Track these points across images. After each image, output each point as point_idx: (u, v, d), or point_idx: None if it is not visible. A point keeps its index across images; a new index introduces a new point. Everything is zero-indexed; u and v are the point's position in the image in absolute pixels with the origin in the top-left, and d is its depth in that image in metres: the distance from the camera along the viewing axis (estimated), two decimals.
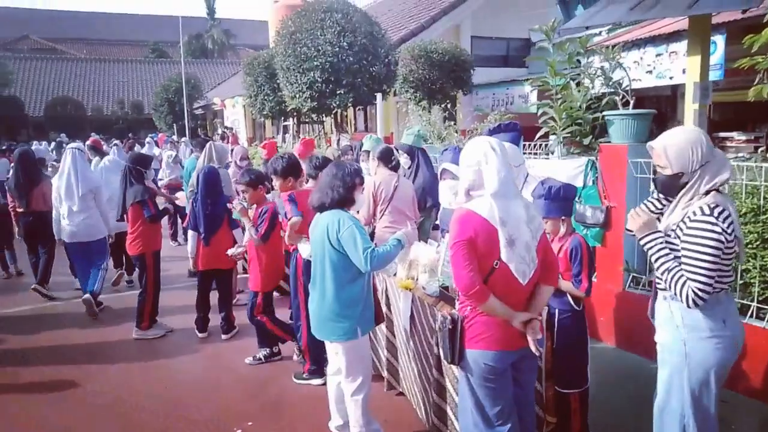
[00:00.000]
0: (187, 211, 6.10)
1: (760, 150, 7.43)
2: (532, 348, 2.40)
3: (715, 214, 2.28)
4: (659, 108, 9.63)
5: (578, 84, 5.27)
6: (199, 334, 5.33)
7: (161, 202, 6.07)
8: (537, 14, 14.92)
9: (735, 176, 3.80)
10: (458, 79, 11.20)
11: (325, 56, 9.16)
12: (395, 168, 4.98)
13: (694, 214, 2.33)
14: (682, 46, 8.62)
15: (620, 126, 4.66)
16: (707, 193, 2.37)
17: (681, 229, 2.37)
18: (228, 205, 4.62)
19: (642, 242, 2.48)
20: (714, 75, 7.87)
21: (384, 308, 3.86)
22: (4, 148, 17.59)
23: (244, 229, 4.82)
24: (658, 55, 9.52)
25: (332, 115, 11.30)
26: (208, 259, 5.09)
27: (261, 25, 48.16)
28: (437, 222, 4.65)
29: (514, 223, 2.36)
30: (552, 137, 5.39)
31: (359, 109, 14.98)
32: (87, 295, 5.93)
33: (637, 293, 4.55)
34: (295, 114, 13.58)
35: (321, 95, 9.57)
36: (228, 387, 4.35)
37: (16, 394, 4.43)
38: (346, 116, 12.49)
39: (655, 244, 2.43)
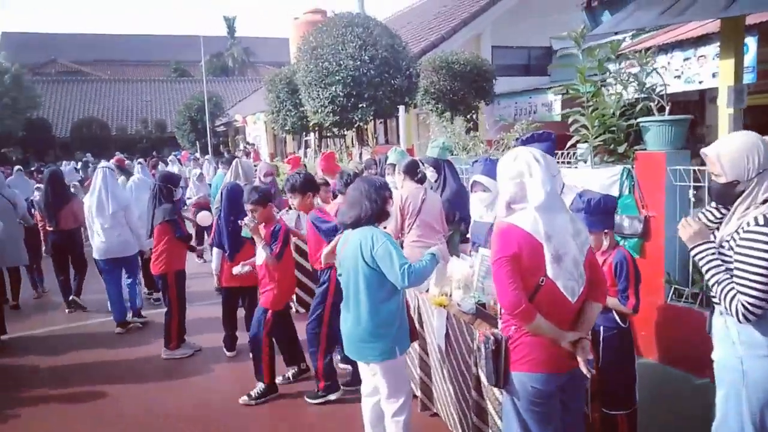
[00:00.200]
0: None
1: None
2: (583, 369, 2.26)
3: None
4: (687, 113, 9.40)
5: (606, 90, 5.13)
6: (228, 353, 5.28)
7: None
8: (558, 22, 14.82)
9: None
10: (480, 90, 11.10)
11: (346, 70, 9.15)
12: (421, 181, 4.89)
13: (748, 224, 2.19)
14: (710, 49, 8.40)
15: (657, 133, 4.50)
16: (765, 201, 2.23)
17: (734, 240, 2.23)
18: (239, 222, 4.50)
19: (692, 253, 2.34)
20: (747, 78, 7.62)
21: (416, 325, 3.75)
22: (33, 168, 18.01)
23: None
24: (686, 59, 9.29)
25: (354, 129, 11.27)
26: (232, 276, 5.03)
27: (280, 42, 48.86)
28: (468, 235, 4.52)
29: (560, 238, 2.24)
30: (580, 145, 5.24)
31: (380, 122, 14.96)
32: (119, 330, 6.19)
33: (680, 306, 4.35)
34: (316, 128, 13.61)
35: (343, 109, 9.54)
36: (258, 407, 4.28)
37: (48, 413, 4.42)
38: (366, 129, 12.46)
39: (706, 255, 2.29)
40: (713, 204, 2.50)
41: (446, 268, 3.51)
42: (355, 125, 10.51)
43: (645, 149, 4.62)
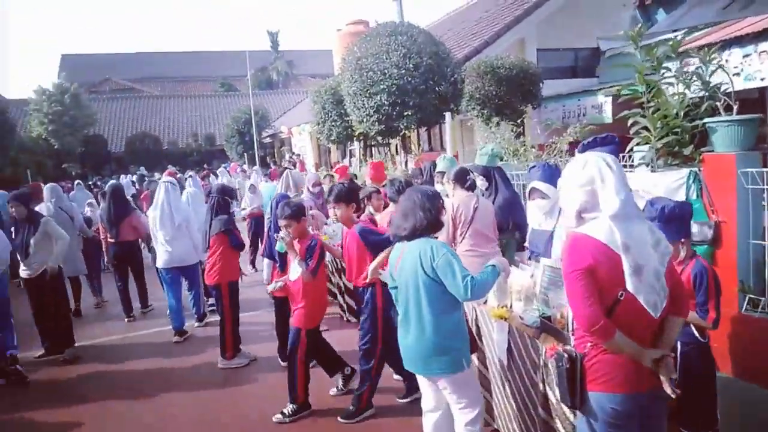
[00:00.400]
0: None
1: None
2: (667, 389, 2.11)
3: None
4: (745, 112, 8.95)
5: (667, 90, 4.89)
6: (282, 363, 5.28)
7: None
8: (605, 22, 14.45)
9: None
10: (527, 93, 10.88)
11: (391, 79, 9.13)
12: (471, 188, 4.77)
13: None
14: None
15: (725, 133, 4.26)
16: None
17: None
18: (275, 236, 4.42)
19: None
20: None
21: (475, 337, 3.64)
22: (90, 183, 18.81)
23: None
24: (746, 55, 8.82)
25: (398, 137, 11.24)
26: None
27: (322, 54, 49.61)
28: (526, 244, 4.38)
29: (639, 248, 2.10)
30: (638, 148, 5.01)
31: (423, 130, 14.89)
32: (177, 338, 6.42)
33: (756, 316, 4.07)
34: (361, 138, 13.65)
35: (388, 118, 9.52)
36: (315, 416, 4.28)
37: (107, 421, 4.55)
38: (409, 137, 12.42)
39: None
40: None
41: (506, 280, 3.39)
42: (400, 133, 10.46)
43: (712, 151, 4.38)
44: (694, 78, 4.75)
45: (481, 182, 5.12)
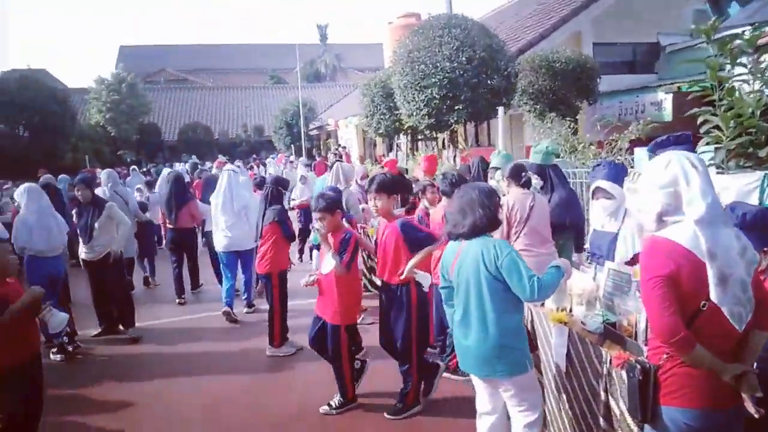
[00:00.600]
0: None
1: None
2: (750, 409, 1.96)
3: None
4: None
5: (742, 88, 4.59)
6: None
7: None
8: (666, 16, 13.81)
9: None
10: (583, 89, 10.55)
11: (443, 72, 8.99)
12: (527, 185, 4.62)
13: None
14: None
15: None
16: None
17: None
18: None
19: None
20: None
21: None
22: (144, 170, 19.47)
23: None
24: None
25: (446, 131, 11.08)
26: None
27: (369, 48, 49.91)
28: (587, 246, 4.21)
29: (726, 256, 1.95)
30: (704, 148, 4.73)
31: (471, 124, 14.66)
32: (227, 309, 6.65)
33: None
34: (409, 131, 13.56)
35: (438, 112, 9.39)
36: (361, 410, 4.28)
37: (160, 402, 4.67)
38: (456, 131, 12.24)
39: None
40: None
41: (565, 282, 3.25)
42: (450, 128, 10.31)
43: None
44: None
45: (536, 181, 4.94)
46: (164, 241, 8.68)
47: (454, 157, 10.74)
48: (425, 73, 9.17)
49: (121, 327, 6.29)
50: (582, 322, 3.02)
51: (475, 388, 3.11)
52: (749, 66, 4.67)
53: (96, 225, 5.91)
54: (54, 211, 5.85)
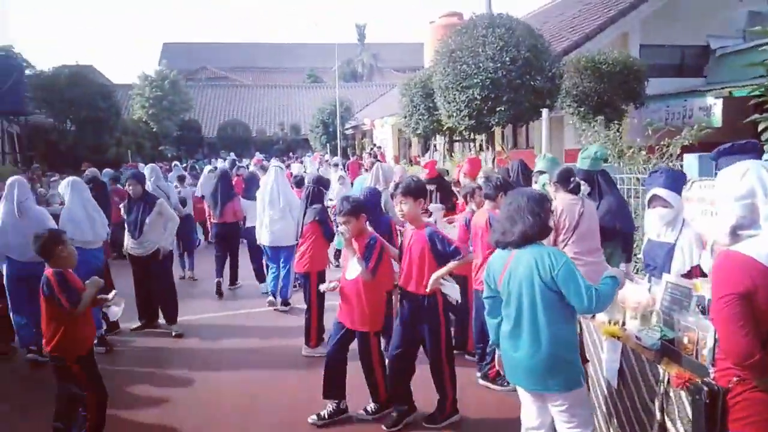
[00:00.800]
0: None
1: None
2: None
3: None
4: None
5: None
6: None
7: None
8: (716, 18, 13.29)
9: None
10: (630, 92, 10.22)
11: (485, 72, 8.82)
12: (575, 191, 4.45)
13: None
14: None
15: None
16: None
17: None
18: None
19: None
20: None
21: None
22: (184, 165, 19.86)
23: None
24: None
25: (485, 133, 10.90)
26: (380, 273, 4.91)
27: (405, 47, 49.82)
28: (640, 256, 4.03)
29: None
30: None
31: (510, 127, 14.41)
32: (272, 299, 7.08)
33: None
34: (447, 132, 13.41)
35: (479, 113, 9.23)
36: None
37: (195, 397, 4.70)
38: (493, 133, 12.03)
39: None
40: None
41: (618, 294, 3.11)
42: (490, 129, 10.13)
43: None
44: None
45: (583, 188, 4.77)
46: (210, 235, 9.03)
47: (493, 159, 10.56)
48: (467, 73, 9.02)
49: (161, 321, 6.37)
50: (637, 337, 2.88)
51: (522, 401, 2.99)
52: None
53: (147, 221, 5.98)
54: (96, 204, 5.97)
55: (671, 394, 2.55)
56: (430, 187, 6.95)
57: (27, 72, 20.08)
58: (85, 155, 20.57)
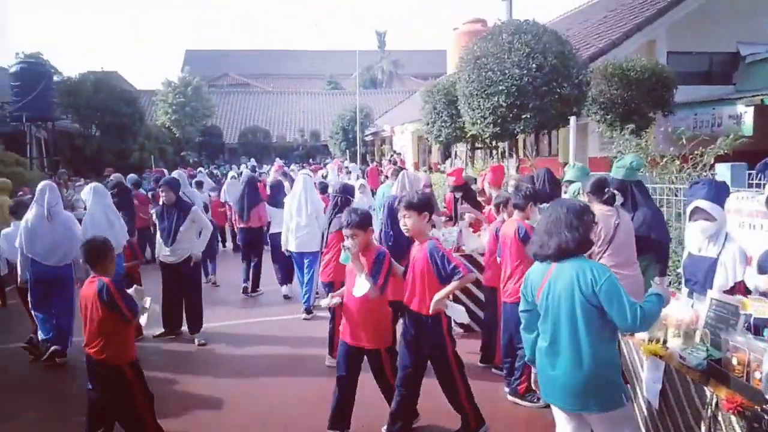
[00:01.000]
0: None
1: None
2: None
3: None
4: None
5: None
6: None
7: None
8: (745, 25, 13.02)
9: None
10: (659, 99, 10.02)
11: (511, 79, 8.71)
12: (610, 201, 4.32)
13: None
14: None
15: None
16: None
17: None
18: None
19: None
20: None
21: None
22: (207, 171, 20.02)
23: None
24: None
25: (509, 141, 10.77)
26: (392, 289, 4.83)
27: (425, 54, 49.84)
28: (680, 270, 3.88)
29: None
30: None
31: (534, 134, 14.24)
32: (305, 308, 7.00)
33: None
34: (469, 140, 13.30)
35: (504, 120, 9.12)
36: (421, 429, 4.11)
37: (214, 405, 4.66)
38: (517, 140, 11.89)
39: None
40: None
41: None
42: (515, 137, 10.00)
43: None
44: None
45: (617, 198, 4.63)
46: (237, 237, 9.20)
47: (517, 167, 10.41)
48: (492, 80, 8.92)
49: (183, 329, 6.34)
50: (680, 357, 2.75)
51: (557, 420, 2.87)
52: None
53: (181, 228, 5.98)
54: (116, 211, 5.99)
55: (720, 417, 2.42)
56: (457, 195, 6.87)
57: (54, 78, 20.44)
58: (109, 160, 20.87)
